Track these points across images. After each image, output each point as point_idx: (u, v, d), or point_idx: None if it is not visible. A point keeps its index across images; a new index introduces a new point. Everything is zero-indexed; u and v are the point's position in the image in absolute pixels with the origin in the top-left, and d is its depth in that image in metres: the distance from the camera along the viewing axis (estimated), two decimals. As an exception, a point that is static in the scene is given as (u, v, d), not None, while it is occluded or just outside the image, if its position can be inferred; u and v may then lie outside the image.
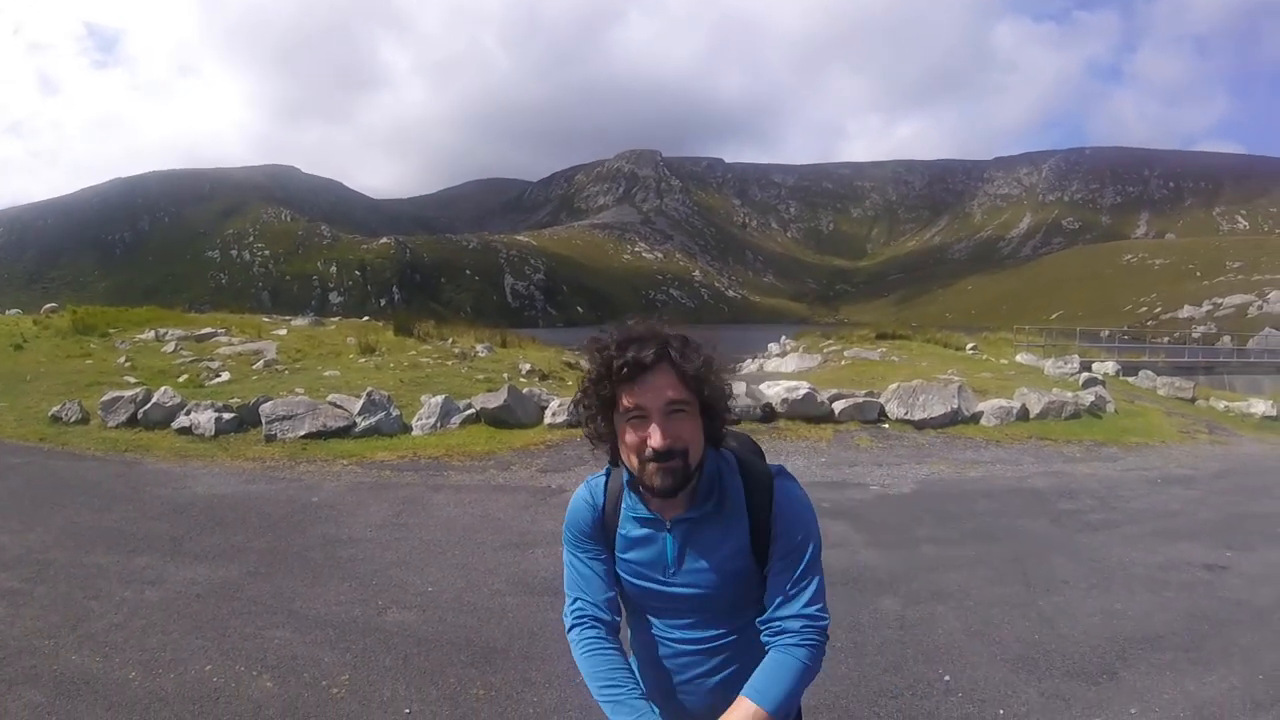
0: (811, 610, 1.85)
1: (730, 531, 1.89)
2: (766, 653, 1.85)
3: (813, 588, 1.87)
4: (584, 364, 1.89)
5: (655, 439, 1.73)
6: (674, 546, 1.89)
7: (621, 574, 1.96)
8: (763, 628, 1.87)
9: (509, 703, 4.21)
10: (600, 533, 1.95)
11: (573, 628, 1.94)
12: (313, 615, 5.30)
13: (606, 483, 1.98)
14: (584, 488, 2.01)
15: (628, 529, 1.93)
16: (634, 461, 1.79)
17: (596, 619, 1.92)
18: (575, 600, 1.95)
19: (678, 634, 1.96)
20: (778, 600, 1.86)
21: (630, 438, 1.77)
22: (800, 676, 1.81)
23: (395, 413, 11.55)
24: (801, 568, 1.87)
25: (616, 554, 1.95)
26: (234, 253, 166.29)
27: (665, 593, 1.92)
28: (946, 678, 4.61)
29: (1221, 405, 17.62)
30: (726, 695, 1.83)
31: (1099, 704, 4.37)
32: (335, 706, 4.12)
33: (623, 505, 1.94)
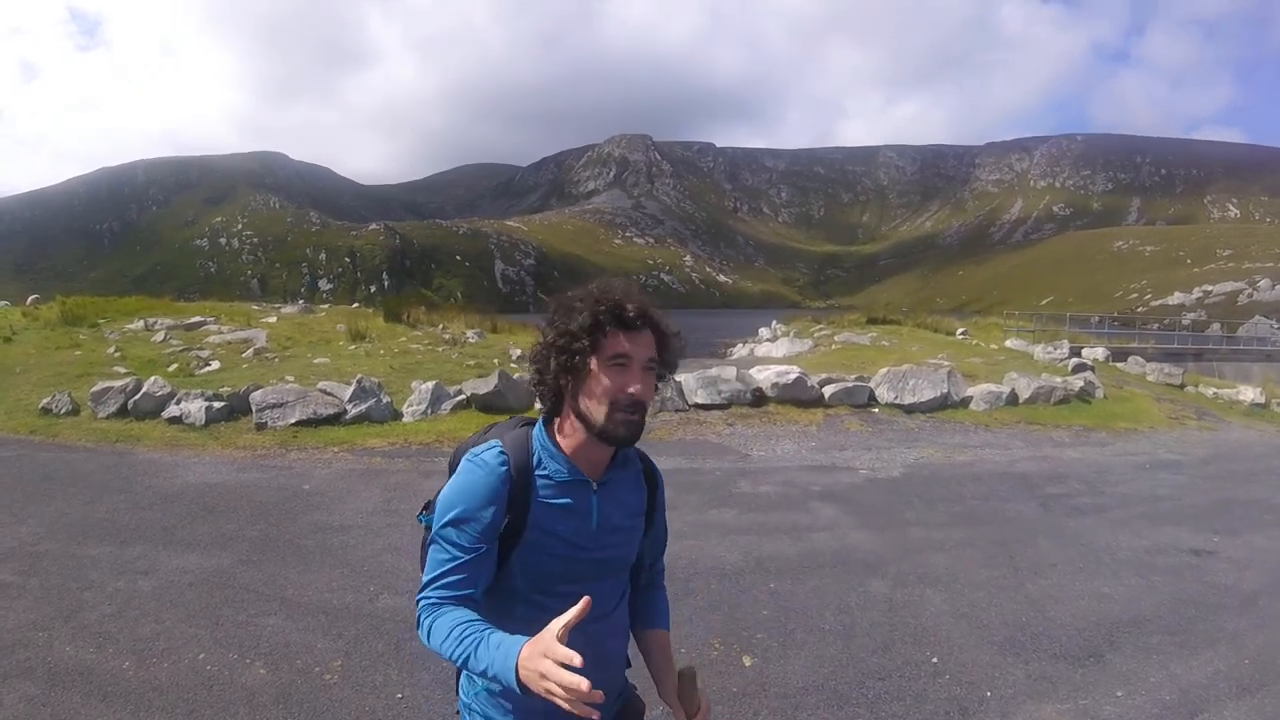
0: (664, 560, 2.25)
1: (637, 493, 2.00)
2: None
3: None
4: (562, 314, 1.82)
5: (638, 387, 1.76)
6: (599, 508, 1.88)
7: (535, 550, 1.82)
8: (641, 577, 2.12)
9: (501, 688, 4.24)
10: (502, 510, 1.79)
11: (426, 611, 1.77)
12: (305, 602, 5.32)
13: (503, 449, 1.84)
14: (486, 457, 1.82)
15: (549, 496, 1.84)
16: (602, 409, 1.77)
17: (456, 601, 1.78)
18: (439, 586, 1.77)
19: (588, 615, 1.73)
20: (655, 556, 2.17)
21: (610, 382, 1.76)
22: None
23: (386, 399, 11.55)
24: (666, 530, 2.20)
25: (532, 527, 1.81)
26: (222, 241, 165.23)
27: (586, 560, 1.87)
28: (934, 660, 4.66)
29: (1210, 392, 17.71)
30: (618, 663, 2.01)
31: (1085, 686, 4.42)
32: (328, 693, 4.14)
33: (538, 473, 1.84)
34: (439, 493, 1.91)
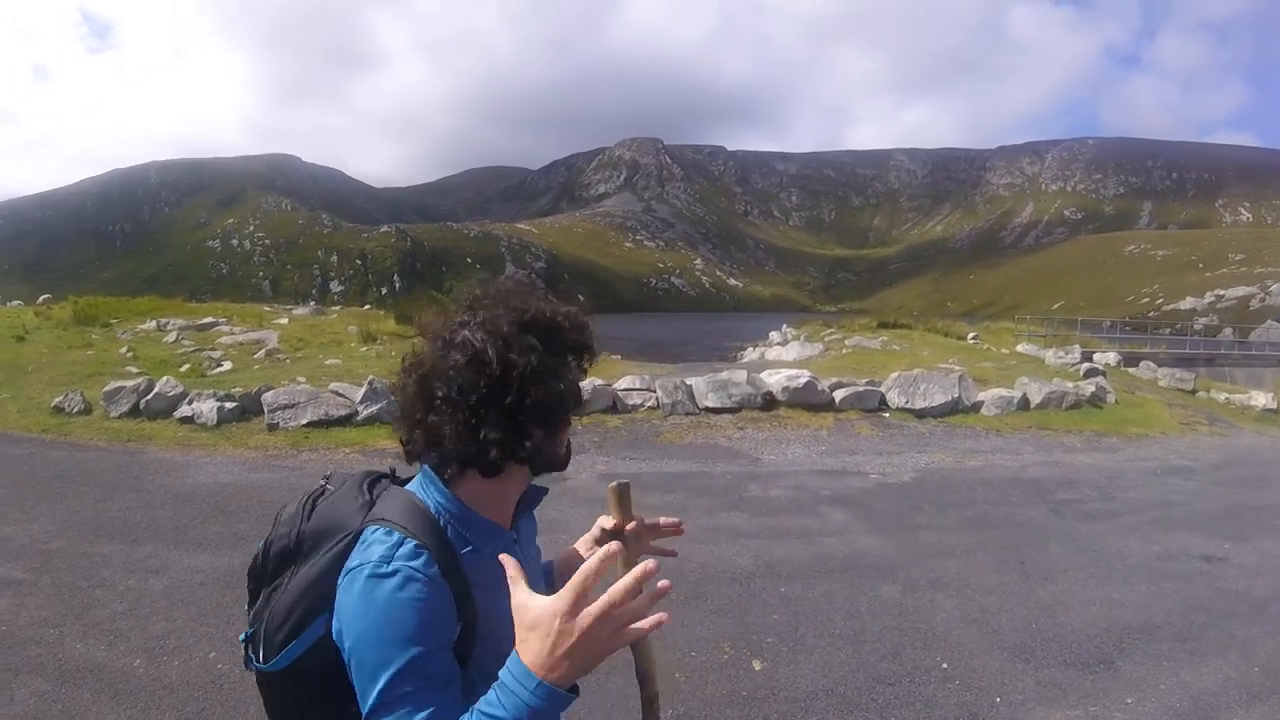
0: None
1: (531, 522, 1.67)
2: None
3: None
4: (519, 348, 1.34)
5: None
6: (523, 559, 1.39)
7: (490, 641, 1.34)
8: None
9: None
10: (452, 623, 1.30)
11: None
12: (315, 603, 5.33)
13: (416, 545, 1.30)
14: (405, 564, 1.26)
15: (483, 575, 1.35)
16: (562, 442, 1.47)
17: None
18: None
19: None
20: None
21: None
22: None
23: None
24: None
25: (482, 621, 1.34)
26: (234, 242, 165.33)
27: None
28: (944, 665, 4.65)
29: (1222, 397, 17.64)
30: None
31: (1095, 693, 4.40)
32: (338, 693, 4.14)
33: (463, 553, 1.36)
34: (274, 628, 1.42)
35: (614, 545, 1.18)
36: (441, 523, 1.36)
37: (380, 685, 1.21)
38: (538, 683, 1.12)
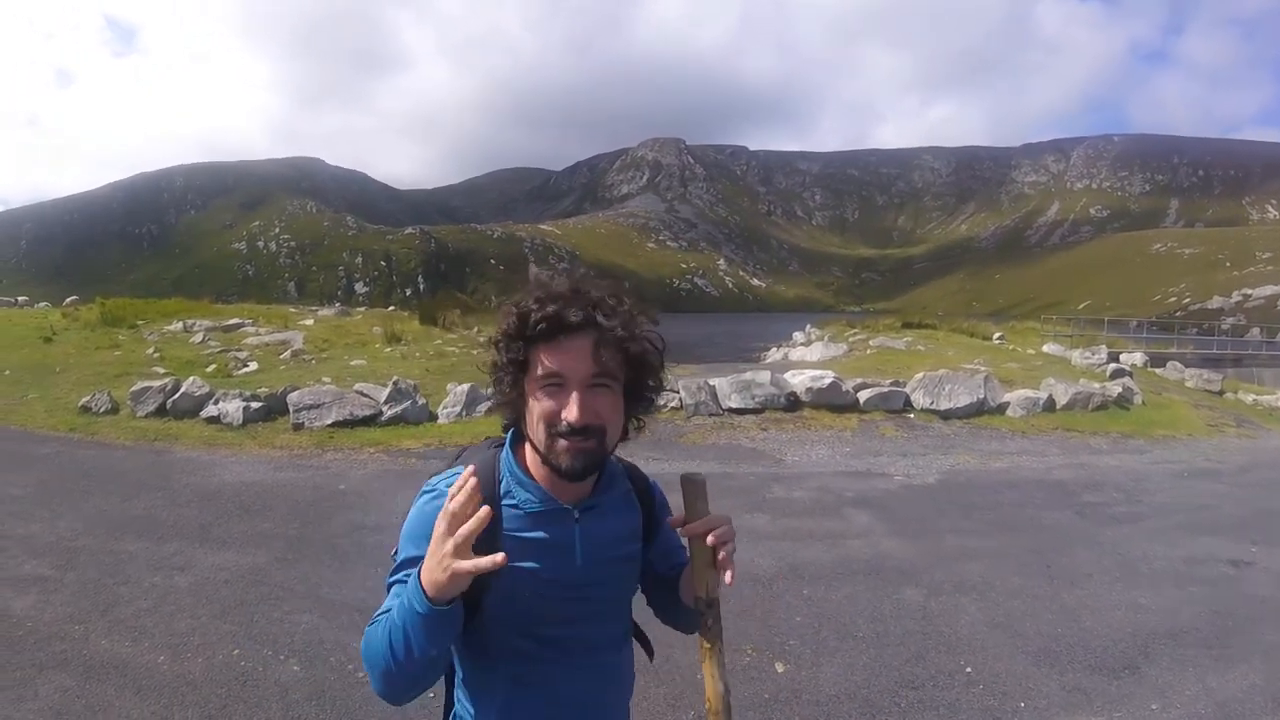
0: None
1: (629, 516, 1.72)
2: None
3: None
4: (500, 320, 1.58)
5: (572, 412, 1.48)
6: (583, 539, 1.61)
7: (508, 594, 1.54)
8: (671, 572, 1.78)
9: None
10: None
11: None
12: (339, 601, 5.36)
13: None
14: (441, 488, 1.57)
15: (519, 529, 1.56)
16: (542, 434, 1.52)
17: None
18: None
19: (579, 659, 1.65)
20: (672, 559, 1.80)
21: (543, 407, 1.51)
22: None
23: (421, 401, 11.61)
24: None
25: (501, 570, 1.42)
26: (260, 244, 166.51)
27: (575, 599, 1.59)
28: (968, 669, 4.62)
29: (1250, 398, 17.45)
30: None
31: (1120, 699, 4.36)
32: (361, 690, 4.16)
33: (505, 503, 1.58)
34: None
35: (471, 481, 1.38)
36: (498, 475, 1.61)
37: (393, 567, 1.60)
38: (416, 582, 1.39)
